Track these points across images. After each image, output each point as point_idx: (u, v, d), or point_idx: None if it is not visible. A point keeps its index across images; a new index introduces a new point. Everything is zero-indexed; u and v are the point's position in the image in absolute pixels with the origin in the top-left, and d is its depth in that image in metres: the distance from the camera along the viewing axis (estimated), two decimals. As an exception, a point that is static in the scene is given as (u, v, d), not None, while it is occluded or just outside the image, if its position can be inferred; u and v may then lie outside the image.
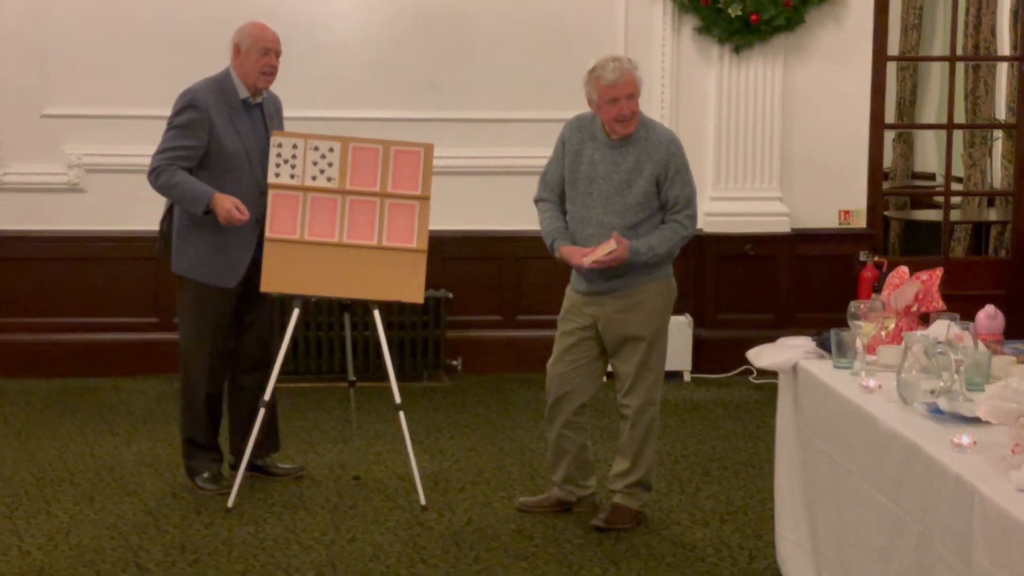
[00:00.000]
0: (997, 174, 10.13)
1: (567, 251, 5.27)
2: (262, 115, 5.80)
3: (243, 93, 5.71)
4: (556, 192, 5.39)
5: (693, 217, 5.29)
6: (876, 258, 7.67)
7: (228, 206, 5.52)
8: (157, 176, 5.60)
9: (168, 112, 5.71)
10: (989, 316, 4.43)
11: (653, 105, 7.94)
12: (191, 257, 5.70)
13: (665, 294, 5.37)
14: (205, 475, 5.85)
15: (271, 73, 5.71)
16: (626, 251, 5.13)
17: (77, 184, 7.93)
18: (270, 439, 5.99)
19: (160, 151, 5.64)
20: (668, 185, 5.20)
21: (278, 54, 5.73)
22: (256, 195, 5.69)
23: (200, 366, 5.79)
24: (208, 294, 5.70)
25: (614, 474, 5.47)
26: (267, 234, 5.64)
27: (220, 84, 5.70)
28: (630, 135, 5.22)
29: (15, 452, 6.42)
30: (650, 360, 5.35)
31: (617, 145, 5.23)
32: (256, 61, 5.66)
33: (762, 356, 4.70)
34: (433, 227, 5.80)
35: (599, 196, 5.24)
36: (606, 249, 5.11)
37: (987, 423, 3.47)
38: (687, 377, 8.01)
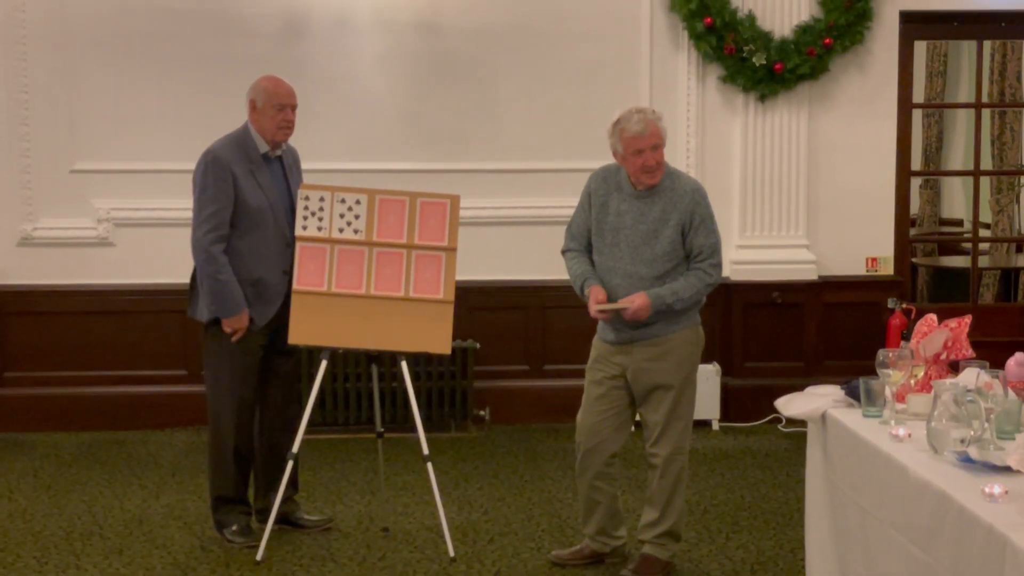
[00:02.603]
0: (1025, 220, 10.11)
1: (594, 290, 5.26)
2: (282, 168, 5.84)
3: (263, 148, 5.75)
4: (583, 243, 5.40)
5: (718, 266, 5.29)
6: (904, 305, 7.62)
7: (241, 325, 5.67)
8: (206, 261, 5.62)
9: (194, 167, 5.75)
10: (1019, 363, 4.39)
11: (678, 154, 7.96)
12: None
13: (693, 342, 5.36)
14: (234, 528, 5.84)
15: (288, 127, 5.76)
16: (644, 305, 5.14)
17: (106, 238, 7.98)
18: (291, 483, 5.96)
19: (199, 224, 5.64)
20: (693, 234, 5.21)
21: (294, 108, 5.77)
22: (282, 247, 5.72)
23: (229, 419, 5.79)
24: (236, 344, 5.72)
25: (643, 524, 5.45)
26: (295, 286, 5.67)
27: (239, 140, 5.74)
28: (656, 185, 5.23)
29: (44, 506, 6.44)
30: (679, 409, 5.33)
31: (643, 195, 5.24)
32: (272, 117, 5.70)
33: (790, 405, 4.69)
34: (460, 278, 5.82)
35: (626, 247, 5.25)
36: (621, 305, 5.15)
37: (1018, 472, 3.44)
38: (715, 426, 7.98)
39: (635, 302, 5.15)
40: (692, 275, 5.23)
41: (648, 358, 5.29)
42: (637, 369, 5.31)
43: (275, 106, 5.70)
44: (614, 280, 5.27)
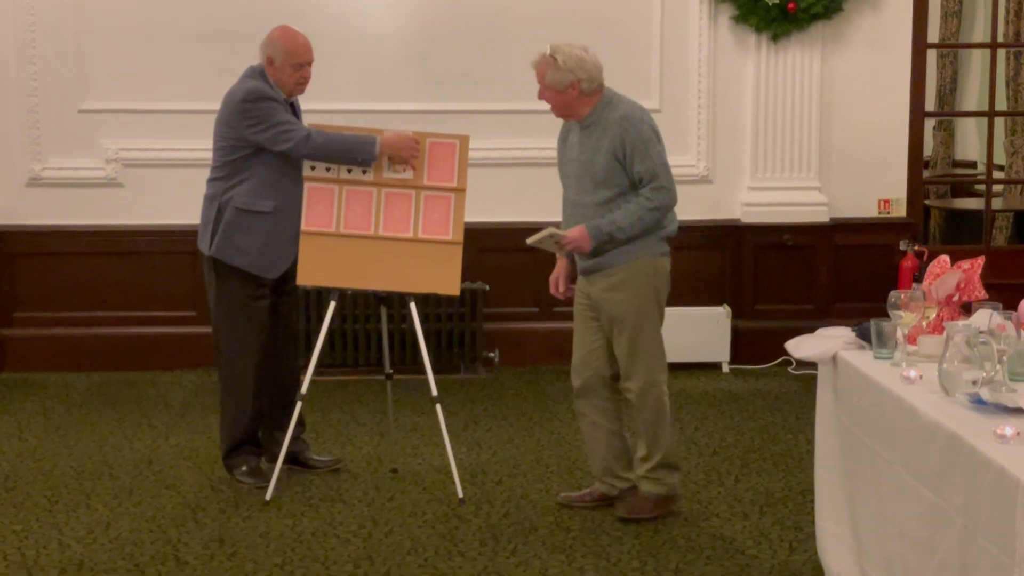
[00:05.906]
0: (1039, 162, 10.02)
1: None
2: (294, 113, 5.80)
3: (280, 95, 5.69)
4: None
5: (661, 189, 5.16)
6: (917, 247, 7.60)
7: (406, 146, 5.59)
8: (308, 141, 5.53)
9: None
10: (1032, 305, 4.36)
11: (690, 95, 7.92)
12: (240, 246, 5.63)
13: (650, 273, 5.29)
14: (244, 468, 5.85)
15: (306, 83, 5.73)
16: (583, 236, 5.15)
17: (115, 179, 7.95)
18: (298, 422, 5.94)
19: (278, 134, 5.53)
20: (629, 162, 5.17)
21: (311, 62, 5.71)
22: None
23: (249, 363, 5.76)
24: (252, 287, 5.69)
25: (637, 458, 5.45)
26: (303, 227, 5.63)
27: (267, 82, 5.68)
28: (593, 115, 5.25)
29: (55, 446, 6.45)
30: (639, 341, 5.28)
31: (586, 126, 5.28)
32: (291, 76, 5.65)
33: (801, 347, 4.66)
34: (469, 219, 5.78)
35: (573, 177, 5.31)
36: (550, 231, 5.20)
37: (1030, 414, 3.42)
38: (725, 368, 7.97)
39: (573, 233, 5.18)
40: (632, 203, 5.18)
41: (604, 288, 5.30)
42: (598, 299, 5.34)
43: (294, 65, 5.64)
44: (566, 211, 5.35)
